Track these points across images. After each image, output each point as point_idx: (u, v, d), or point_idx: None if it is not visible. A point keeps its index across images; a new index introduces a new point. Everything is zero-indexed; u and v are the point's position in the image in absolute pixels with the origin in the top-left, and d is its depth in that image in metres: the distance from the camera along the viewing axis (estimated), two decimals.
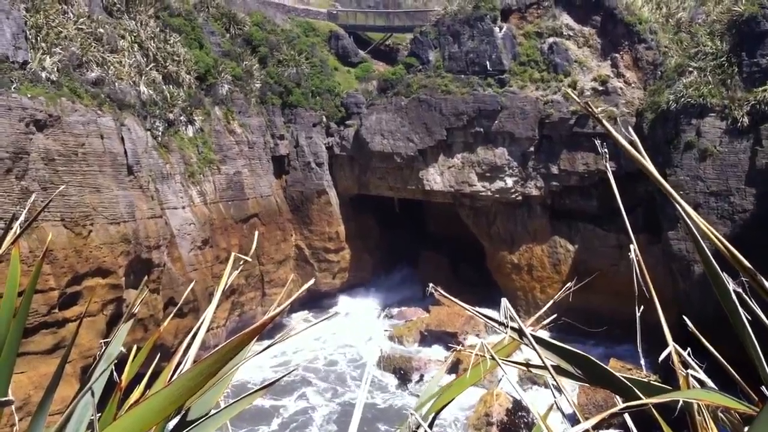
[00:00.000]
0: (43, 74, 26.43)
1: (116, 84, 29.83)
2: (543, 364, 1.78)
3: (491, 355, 1.82)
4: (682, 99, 31.34)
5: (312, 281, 3.17)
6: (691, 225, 1.75)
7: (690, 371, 1.74)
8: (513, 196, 37.66)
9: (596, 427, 1.58)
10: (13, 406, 1.81)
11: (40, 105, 25.05)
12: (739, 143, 29.90)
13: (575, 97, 1.69)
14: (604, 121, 1.63)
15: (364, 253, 42.71)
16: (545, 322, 2.45)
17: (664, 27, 36.65)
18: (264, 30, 41.28)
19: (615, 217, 34.92)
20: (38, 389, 21.63)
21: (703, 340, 1.79)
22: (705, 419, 1.68)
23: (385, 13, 48.13)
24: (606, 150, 1.90)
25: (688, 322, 2.01)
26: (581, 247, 37.08)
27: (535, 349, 1.80)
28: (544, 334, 1.99)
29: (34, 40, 27.41)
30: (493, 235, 39.59)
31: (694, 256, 29.67)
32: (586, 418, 1.59)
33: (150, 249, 28.39)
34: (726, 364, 1.79)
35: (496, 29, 37.70)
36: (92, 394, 1.86)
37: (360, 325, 39.05)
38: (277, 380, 2.00)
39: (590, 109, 1.65)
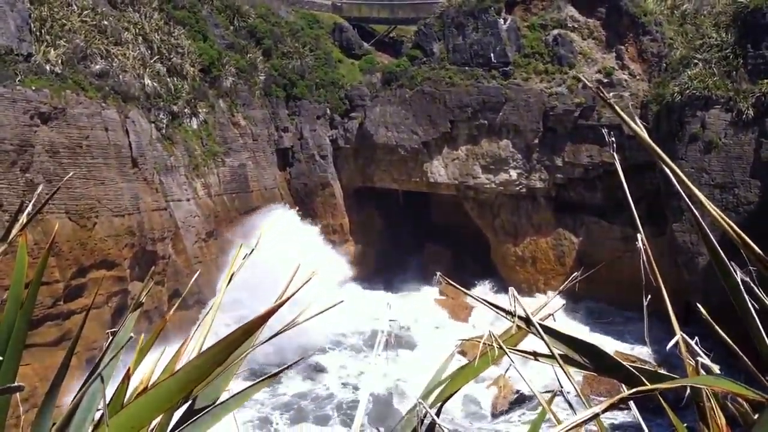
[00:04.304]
0: (48, 67, 26.42)
1: (120, 76, 29.79)
2: (550, 353, 1.78)
3: (498, 344, 1.83)
4: (687, 91, 31.22)
5: (316, 270, 3.17)
6: (695, 212, 1.74)
7: (698, 359, 1.74)
8: (517, 188, 37.60)
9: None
10: (19, 398, 1.82)
11: (44, 97, 25.04)
12: (744, 135, 29.81)
13: (587, 81, 1.69)
14: (616, 107, 1.63)
15: (368, 246, 42.68)
16: (551, 313, 2.45)
17: (669, 19, 36.50)
18: (268, 22, 41.19)
19: (619, 210, 34.85)
20: (44, 381, 21.69)
21: (715, 325, 1.79)
22: (713, 407, 1.68)
23: (389, 4, 47.93)
24: (614, 139, 1.90)
25: (701, 309, 2.01)
26: (585, 239, 37.02)
27: (542, 338, 1.80)
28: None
29: (38, 33, 27.39)
30: (497, 227, 39.54)
31: (698, 248, 29.62)
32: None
33: (155, 241, 28.42)
34: (738, 349, 1.79)
35: (501, 21, 37.57)
36: (102, 380, 1.86)
37: (364, 316, 38.99)
38: (286, 368, 2.00)
39: (602, 95, 1.65)
